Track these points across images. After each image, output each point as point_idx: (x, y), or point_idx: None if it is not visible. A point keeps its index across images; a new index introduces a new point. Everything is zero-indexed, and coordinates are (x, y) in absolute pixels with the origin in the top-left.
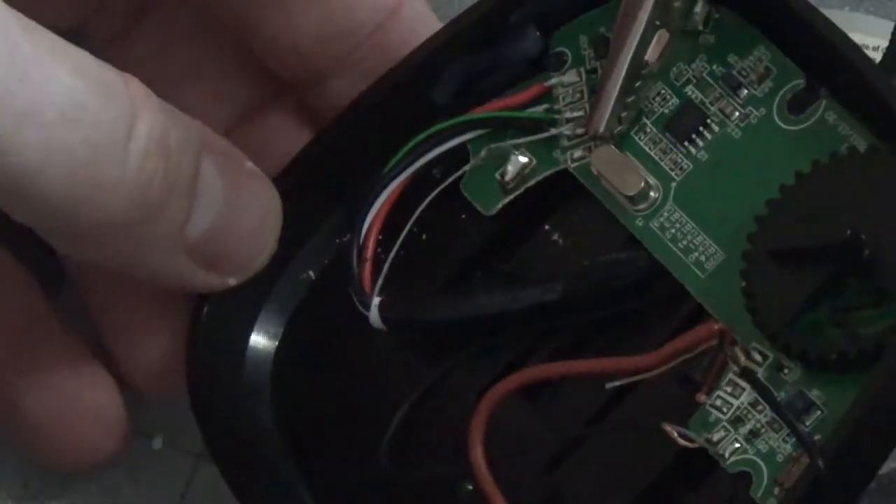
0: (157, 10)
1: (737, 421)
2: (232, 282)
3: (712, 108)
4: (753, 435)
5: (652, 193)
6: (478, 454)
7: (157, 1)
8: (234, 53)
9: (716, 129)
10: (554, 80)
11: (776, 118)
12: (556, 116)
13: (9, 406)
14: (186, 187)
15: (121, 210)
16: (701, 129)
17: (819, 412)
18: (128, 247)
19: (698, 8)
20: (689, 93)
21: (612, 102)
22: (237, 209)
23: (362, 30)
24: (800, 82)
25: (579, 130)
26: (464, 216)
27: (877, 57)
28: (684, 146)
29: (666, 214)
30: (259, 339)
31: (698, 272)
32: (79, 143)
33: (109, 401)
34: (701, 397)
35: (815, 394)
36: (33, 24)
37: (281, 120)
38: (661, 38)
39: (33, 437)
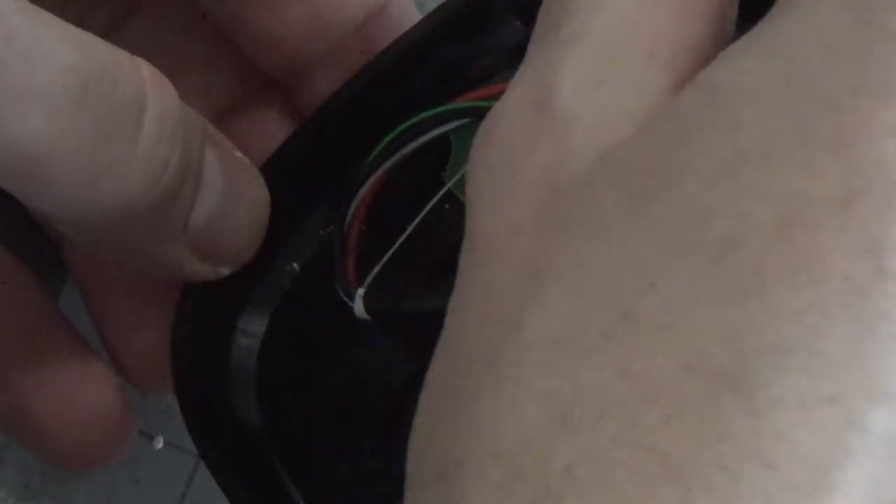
0: (144, 6)
1: None
2: (224, 271)
3: None
4: None
5: None
6: None
7: None
8: (221, 46)
9: None
10: None
11: None
12: None
13: (13, 406)
14: (195, 174)
15: (135, 196)
16: None
17: None
18: (134, 234)
19: None
20: None
21: None
22: (232, 199)
23: (348, 26)
24: None
25: None
26: (447, 206)
27: None
28: None
29: None
30: (244, 333)
31: None
32: (87, 125)
33: (114, 400)
34: None
35: None
36: (32, 6)
37: (267, 114)
38: None
39: (38, 437)
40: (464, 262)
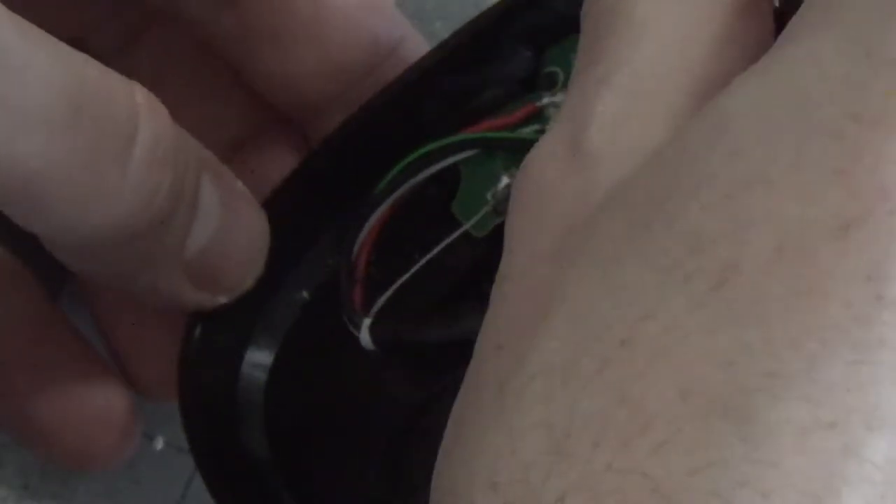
0: (154, 31)
1: None
2: (221, 300)
3: None
4: None
5: None
6: None
7: (154, 21)
8: (230, 79)
9: None
10: (545, 101)
11: None
12: None
13: (16, 409)
14: (190, 201)
15: (124, 219)
16: None
17: None
18: (129, 260)
19: None
20: None
21: None
22: (231, 228)
23: (359, 68)
24: None
25: None
26: (457, 240)
27: None
28: None
29: None
30: (252, 360)
31: None
32: (78, 147)
33: (118, 402)
34: None
35: None
36: (29, 24)
37: (275, 148)
38: None
39: (41, 440)
40: (492, 295)
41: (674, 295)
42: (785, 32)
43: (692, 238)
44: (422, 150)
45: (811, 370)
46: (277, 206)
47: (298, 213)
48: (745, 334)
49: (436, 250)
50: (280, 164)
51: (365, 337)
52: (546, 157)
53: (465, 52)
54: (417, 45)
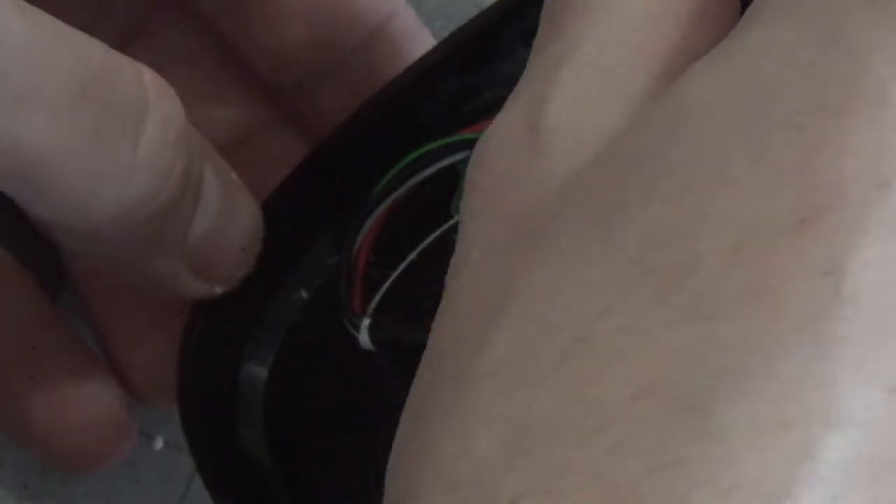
0: (151, 31)
1: None
2: (218, 290)
3: None
4: None
5: None
6: None
7: (148, 20)
8: (228, 79)
9: None
10: None
11: None
12: None
13: (12, 409)
14: (196, 188)
15: (137, 202)
16: None
17: None
18: (135, 245)
19: None
20: None
21: None
22: (229, 217)
23: (350, 41)
24: None
25: None
26: (455, 237)
27: None
28: None
29: None
30: (252, 360)
31: None
32: (85, 127)
33: (115, 404)
34: None
35: None
36: (30, 6)
37: (274, 147)
38: None
39: (37, 440)
40: (447, 283)
41: (632, 291)
42: (747, 15)
43: (651, 233)
44: (421, 150)
45: (769, 367)
46: (277, 205)
47: (298, 213)
48: (703, 331)
49: (428, 240)
50: (279, 163)
51: (364, 338)
52: (503, 140)
53: (465, 52)
54: (408, 19)
